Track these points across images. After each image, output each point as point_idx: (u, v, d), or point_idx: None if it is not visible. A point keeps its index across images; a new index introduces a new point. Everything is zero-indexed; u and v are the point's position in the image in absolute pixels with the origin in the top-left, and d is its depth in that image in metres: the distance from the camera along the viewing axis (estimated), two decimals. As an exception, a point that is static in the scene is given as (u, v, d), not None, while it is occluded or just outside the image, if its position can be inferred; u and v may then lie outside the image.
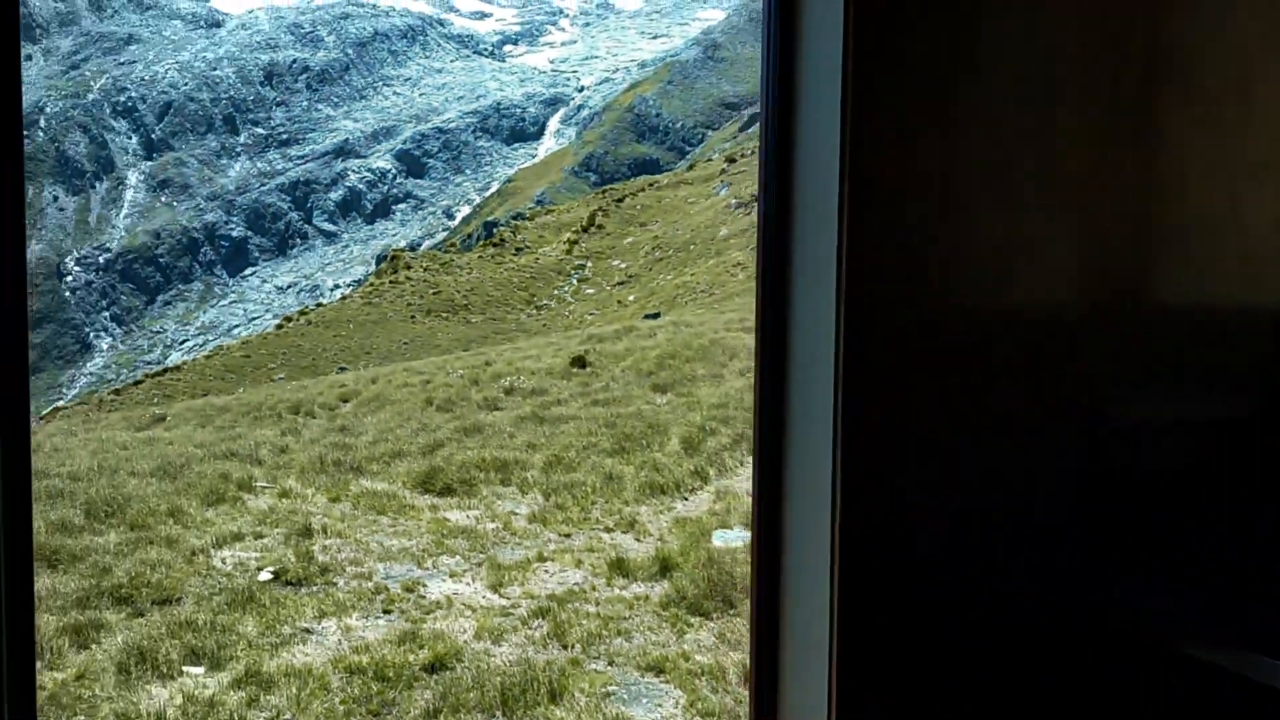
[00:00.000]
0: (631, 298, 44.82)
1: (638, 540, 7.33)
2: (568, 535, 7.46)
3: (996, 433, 2.08)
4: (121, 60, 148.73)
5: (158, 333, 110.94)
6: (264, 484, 8.98)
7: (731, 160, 63.74)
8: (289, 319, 51.86)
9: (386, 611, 5.88)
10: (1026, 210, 2.09)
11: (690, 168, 72.09)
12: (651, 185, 64.15)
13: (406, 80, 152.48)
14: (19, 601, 1.61)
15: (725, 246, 47.23)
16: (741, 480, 8.92)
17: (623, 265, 51.25)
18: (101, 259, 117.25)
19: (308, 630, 5.54)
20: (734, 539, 7.01)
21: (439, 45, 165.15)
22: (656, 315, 29.40)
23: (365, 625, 5.65)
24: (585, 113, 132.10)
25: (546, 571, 6.63)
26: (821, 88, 1.98)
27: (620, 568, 6.52)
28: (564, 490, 8.49)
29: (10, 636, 1.59)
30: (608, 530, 7.57)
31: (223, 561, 6.66)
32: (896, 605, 2.00)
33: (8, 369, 1.58)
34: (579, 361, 16.42)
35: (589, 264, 52.31)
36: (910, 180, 1.98)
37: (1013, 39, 2.04)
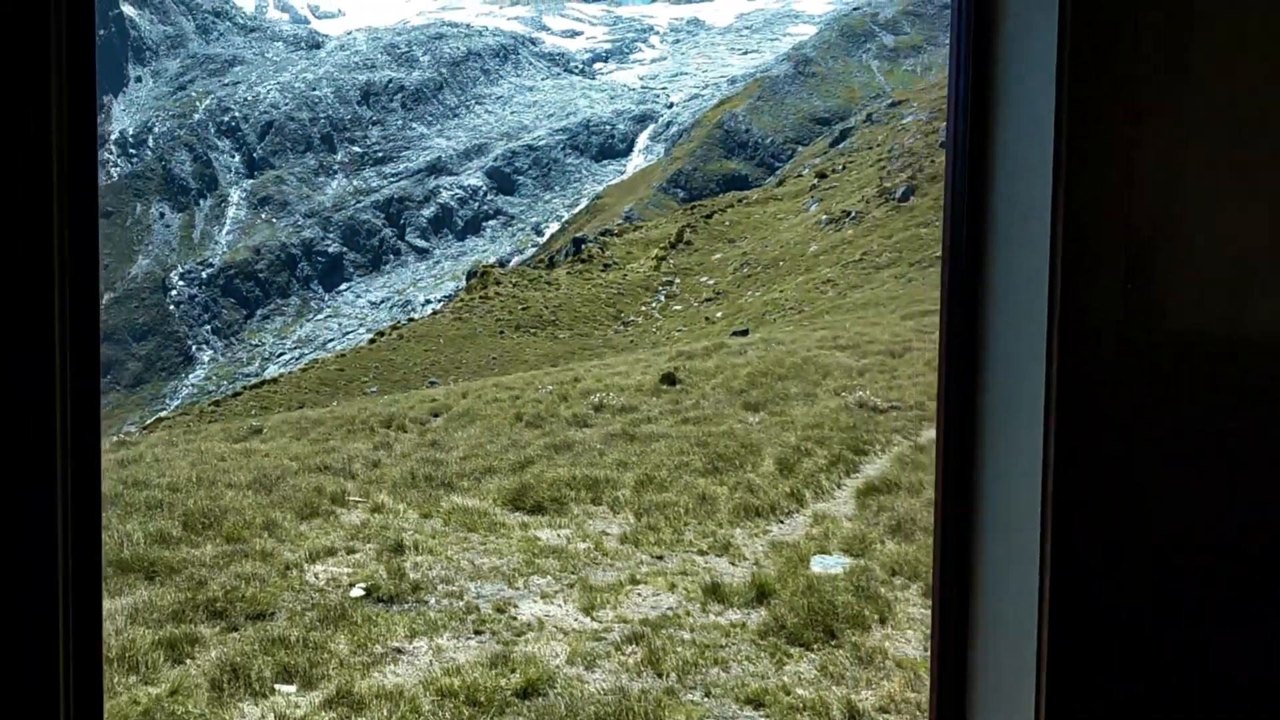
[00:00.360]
0: (719, 314, 44.58)
1: (733, 564, 7.12)
2: (660, 557, 7.28)
3: (1230, 464, 1.86)
4: (226, 81, 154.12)
5: (256, 346, 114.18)
6: (357, 498, 9.00)
7: (822, 176, 63.13)
8: (381, 334, 52.87)
9: (478, 632, 5.77)
10: (1259, 221, 1.86)
11: (780, 184, 71.66)
12: (740, 201, 63.91)
13: (498, 98, 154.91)
14: (86, 614, 1.52)
15: (815, 263, 46.70)
16: (839, 504, 8.64)
17: (710, 282, 51.05)
18: (204, 274, 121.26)
19: (399, 650, 5.46)
20: (833, 565, 6.75)
21: (530, 64, 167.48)
22: (745, 332, 29.12)
23: (456, 646, 5.55)
24: (674, 129, 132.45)
25: (639, 595, 6.45)
26: (1029, 89, 1.80)
27: (715, 593, 6.32)
28: (656, 510, 8.31)
29: (78, 651, 1.52)
30: (701, 553, 7.37)
31: (315, 576, 6.64)
32: (1111, 636, 1.80)
33: (82, 384, 1.54)
34: (669, 378, 16.27)
35: (677, 280, 52.25)
36: (1134, 187, 1.79)
37: (1236, 34, 1.83)
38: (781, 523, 8.13)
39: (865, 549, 7.11)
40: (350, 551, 7.24)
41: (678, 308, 48.91)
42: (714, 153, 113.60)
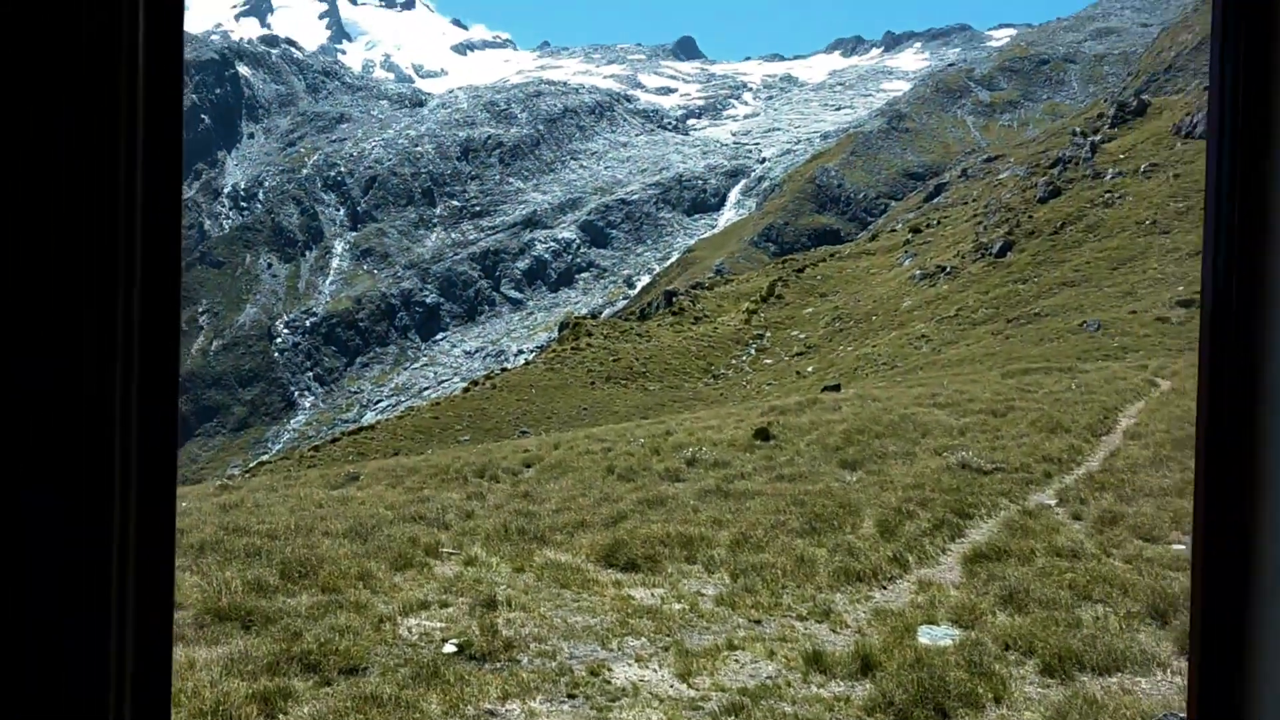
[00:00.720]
0: (810, 369, 44.08)
1: (834, 632, 6.83)
2: (758, 621, 7.04)
3: None
4: (333, 138, 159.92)
5: (355, 393, 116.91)
6: (450, 550, 8.96)
7: (916, 230, 62.40)
8: (475, 383, 53.54)
9: (571, 695, 5.61)
10: None
11: (872, 238, 71.07)
12: (832, 255, 63.49)
13: (593, 154, 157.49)
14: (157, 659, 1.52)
15: (909, 318, 45.95)
16: (945, 571, 8.28)
17: (802, 336, 50.61)
18: (308, 322, 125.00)
19: (491, 713, 5.32)
20: (942, 637, 6.42)
21: (625, 120, 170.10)
22: (837, 387, 28.65)
23: (550, 711, 5.39)
24: (766, 184, 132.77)
25: (737, 661, 6.22)
26: None
27: (817, 662, 6.05)
28: (752, 571, 8.07)
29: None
30: (800, 619, 7.10)
31: (409, 630, 6.57)
32: None
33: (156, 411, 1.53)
34: (762, 434, 16.01)
35: (767, 334, 51.93)
36: None
37: None
38: (884, 589, 7.81)
39: (975, 620, 6.77)
40: (443, 605, 7.16)
41: (768, 361, 48.56)
42: (806, 207, 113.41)
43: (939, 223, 61.88)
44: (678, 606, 7.34)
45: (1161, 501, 10.01)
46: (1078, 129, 61.14)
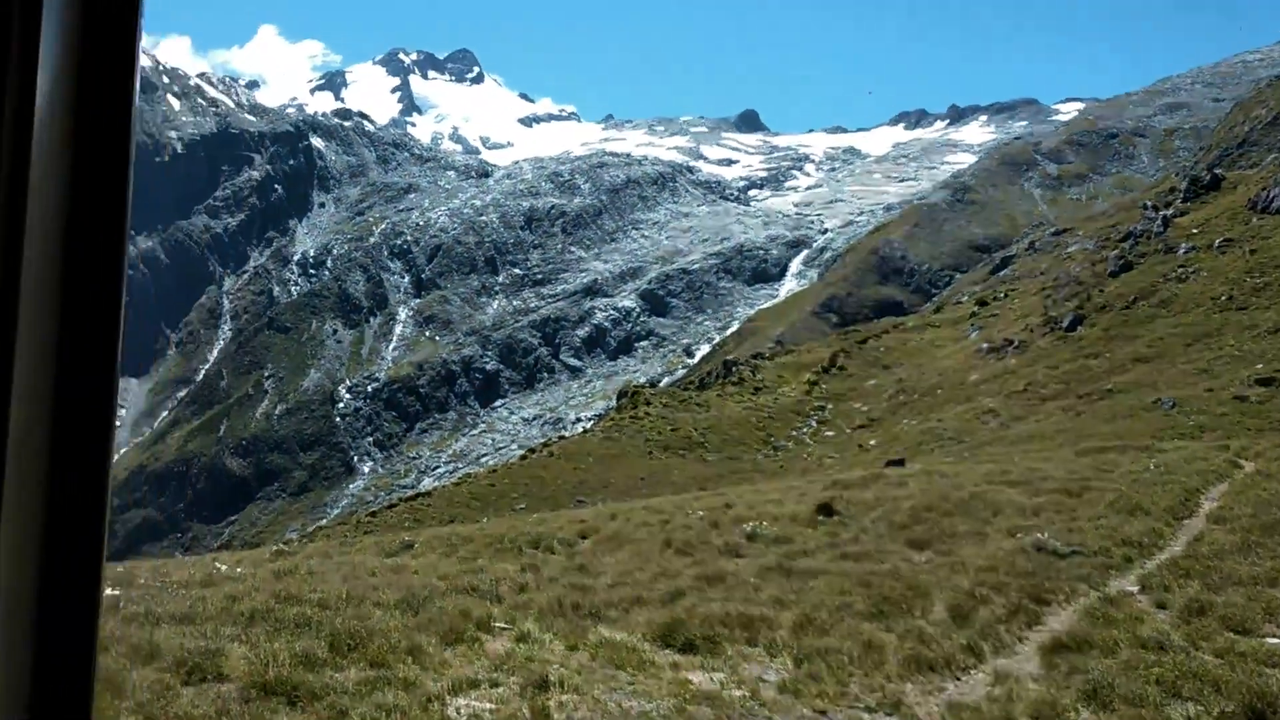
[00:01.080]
0: (873, 442, 43.33)
1: (905, 726, 6.43)
2: (823, 712, 6.65)
3: None
4: (400, 207, 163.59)
5: (414, 459, 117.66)
6: (502, 624, 8.69)
7: (983, 303, 61.56)
8: (533, 450, 53.48)
9: (625, 788, 5.29)
10: None
11: (937, 310, 70.25)
12: (896, 327, 62.79)
13: (654, 224, 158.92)
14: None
15: (975, 392, 45.09)
16: (1022, 662, 7.81)
17: (864, 408, 49.87)
18: (369, 388, 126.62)
19: (540, 804, 5.02)
20: (1023, 736, 5.99)
21: (687, 191, 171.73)
22: (901, 462, 27.99)
23: (602, 804, 5.07)
24: (828, 254, 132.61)
25: (802, 756, 5.85)
26: None
27: (888, 760, 5.66)
28: (817, 657, 7.68)
29: None
30: (869, 710, 6.70)
31: (457, 711, 6.31)
32: None
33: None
34: (825, 509, 15.57)
35: (829, 406, 51.25)
36: None
37: None
38: (958, 680, 7.37)
39: (1057, 717, 6.32)
40: (494, 685, 6.89)
41: (830, 434, 47.85)
42: (868, 278, 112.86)
43: (1006, 295, 61.02)
44: (738, 693, 6.99)
45: (1252, 591, 9.42)
46: (1149, 202, 60.20)
